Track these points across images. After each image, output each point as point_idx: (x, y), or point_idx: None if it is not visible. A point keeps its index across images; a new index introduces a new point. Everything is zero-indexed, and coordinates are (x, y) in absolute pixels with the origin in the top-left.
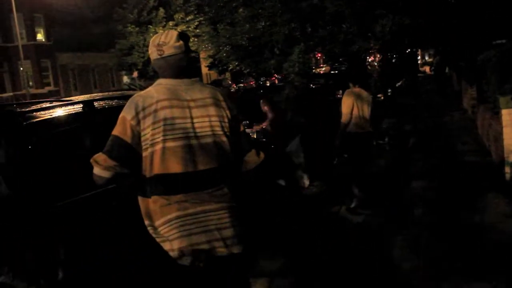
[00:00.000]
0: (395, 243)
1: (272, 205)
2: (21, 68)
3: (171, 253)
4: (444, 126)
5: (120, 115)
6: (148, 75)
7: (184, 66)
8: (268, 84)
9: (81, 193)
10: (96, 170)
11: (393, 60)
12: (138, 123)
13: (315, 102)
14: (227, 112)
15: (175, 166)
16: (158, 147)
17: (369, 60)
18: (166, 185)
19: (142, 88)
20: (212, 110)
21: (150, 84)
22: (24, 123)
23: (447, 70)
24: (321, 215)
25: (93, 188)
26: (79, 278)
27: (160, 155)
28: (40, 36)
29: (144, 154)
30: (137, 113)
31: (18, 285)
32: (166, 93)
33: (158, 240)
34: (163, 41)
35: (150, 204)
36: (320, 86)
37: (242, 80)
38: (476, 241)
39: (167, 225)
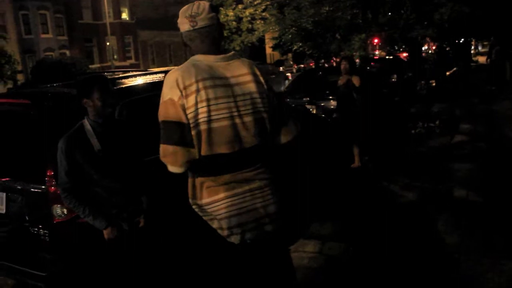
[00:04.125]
0: (439, 219)
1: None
2: (108, 43)
3: (220, 232)
4: (493, 113)
5: (165, 99)
6: None
7: (217, 38)
8: (327, 66)
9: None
10: (171, 169)
11: (448, 49)
12: (183, 102)
13: (372, 85)
14: (265, 86)
15: (222, 147)
16: (203, 127)
17: (424, 47)
18: (213, 166)
19: None
20: (252, 87)
21: None
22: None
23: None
24: (371, 188)
25: None
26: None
27: (206, 137)
28: (124, 15)
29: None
30: (181, 92)
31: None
32: (206, 70)
33: (205, 218)
34: (195, 12)
35: (197, 184)
36: (377, 70)
37: (302, 61)
38: None
39: (215, 205)
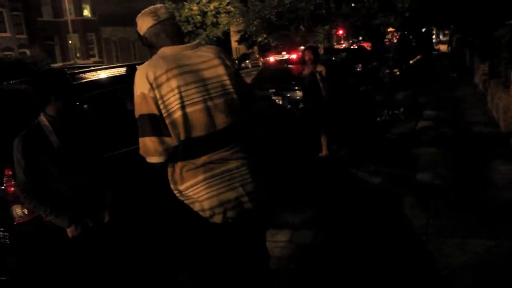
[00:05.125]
0: (406, 202)
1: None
2: (70, 41)
3: (202, 213)
4: (455, 99)
5: (137, 93)
6: None
7: (180, 31)
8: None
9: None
10: (151, 159)
11: (410, 37)
12: (154, 94)
13: (337, 74)
14: (232, 69)
15: (197, 130)
16: (178, 114)
17: (388, 37)
18: (190, 149)
19: None
20: (221, 70)
21: None
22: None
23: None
24: (339, 175)
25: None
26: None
27: (181, 122)
28: (86, 12)
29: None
30: (151, 84)
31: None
32: (174, 61)
33: (186, 202)
34: (155, 8)
35: (177, 169)
36: (341, 60)
37: (268, 54)
38: (482, 202)
39: (195, 187)
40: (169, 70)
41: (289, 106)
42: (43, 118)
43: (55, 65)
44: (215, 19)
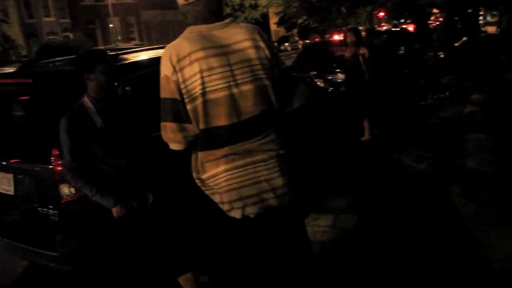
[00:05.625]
0: (452, 190)
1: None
2: (111, 25)
3: (221, 206)
4: (504, 83)
5: (162, 75)
6: None
7: (214, 8)
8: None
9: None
10: (171, 146)
11: (456, 19)
12: (177, 77)
13: (380, 57)
14: (266, 51)
15: (219, 119)
16: (199, 101)
17: (432, 19)
18: (212, 139)
19: None
20: (252, 53)
21: None
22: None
23: None
24: (381, 160)
25: None
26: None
27: (202, 110)
28: None
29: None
30: (174, 67)
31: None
32: (200, 42)
33: (207, 192)
34: None
35: (199, 158)
36: (384, 42)
37: (308, 37)
38: None
39: (215, 178)
40: (193, 52)
41: (330, 88)
42: (86, 99)
43: (97, 48)
44: (253, 1)
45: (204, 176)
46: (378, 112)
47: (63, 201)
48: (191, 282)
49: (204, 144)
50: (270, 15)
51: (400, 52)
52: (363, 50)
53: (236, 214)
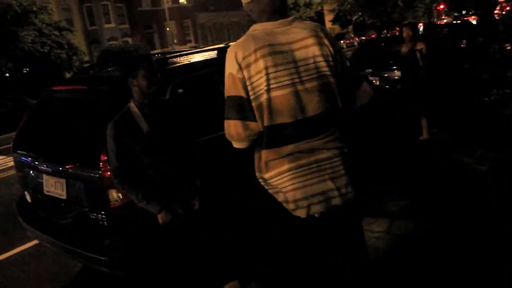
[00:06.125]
0: None
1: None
2: (167, 28)
3: (286, 205)
4: None
5: (226, 73)
6: None
7: (277, 6)
8: (389, 35)
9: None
10: (235, 144)
11: None
12: (243, 75)
13: (439, 52)
14: (331, 48)
15: (283, 117)
16: (264, 98)
17: (496, 10)
18: (276, 137)
19: None
20: (316, 50)
21: None
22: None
23: None
24: (441, 161)
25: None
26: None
27: (266, 106)
28: (182, 0)
29: (253, 106)
30: (239, 65)
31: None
32: (264, 39)
33: (270, 191)
34: None
35: (262, 157)
36: (444, 36)
37: (364, 33)
38: None
39: (279, 177)
40: (258, 49)
41: (386, 86)
42: (132, 105)
43: (155, 51)
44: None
45: (267, 175)
46: (437, 110)
47: (111, 206)
48: None
49: (268, 142)
50: (325, 12)
51: (462, 46)
52: (420, 46)
53: (301, 213)
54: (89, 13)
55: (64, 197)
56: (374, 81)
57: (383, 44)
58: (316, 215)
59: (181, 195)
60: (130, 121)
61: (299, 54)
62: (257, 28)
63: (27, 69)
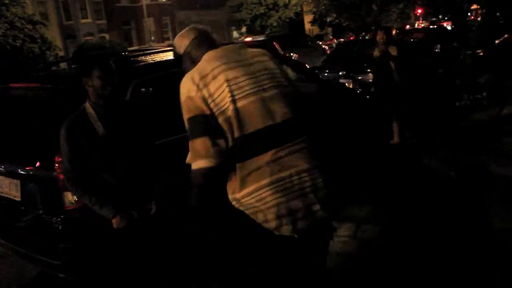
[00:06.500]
0: (486, 199)
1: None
2: (145, 25)
3: (266, 225)
4: None
5: (183, 98)
6: (255, 30)
7: (210, 40)
8: (367, 38)
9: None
10: (199, 164)
11: (498, 14)
12: (202, 94)
13: (412, 56)
14: (280, 67)
15: (254, 124)
16: (230, 110)
17: (472, 17)
18: (250, 147)
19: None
20: (271, 64)
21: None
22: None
23: None
24: (411, 165)
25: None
26: None
27: (235, 118)
28: None
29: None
30: (197, 85)
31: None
32: (219, 59)
33: (247, 212)
34: (191, 26)
35: (237, 173)
36: (419, 40)
37: (342, 35)
38: None
39: (258, 193)
40: (215, 67)
41: (359, 90)
42: (87, 105)
43: (131, 48)
44: (287, 0)
45: (243, 193)
46: (409, 114)
47: (66, 209)
48: None
49: (242, 155)
50: (304, 14)
51: (436, 50)
52: (392, 49)
53: (285, 231)
54: (65, 7)
55: (19, 198)
56: (346, 83)
57: (357, 47)
58: (300, 232)
59: (137, 199)
60: (84, 122)
61: (256, 66)
62: (209, 53)
63: None
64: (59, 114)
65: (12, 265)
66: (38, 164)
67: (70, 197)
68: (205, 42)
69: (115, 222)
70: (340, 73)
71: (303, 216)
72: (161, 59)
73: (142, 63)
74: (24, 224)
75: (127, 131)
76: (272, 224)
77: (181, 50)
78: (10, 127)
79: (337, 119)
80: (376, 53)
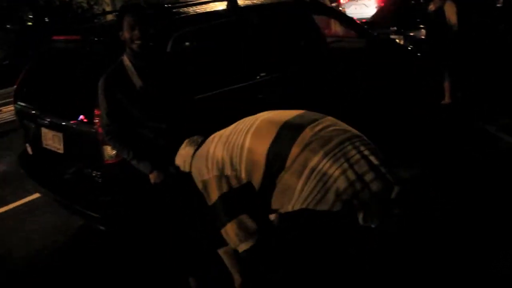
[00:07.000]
0: None
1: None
2: None
3: (340, 198)
4: None
5: (203, 183)
6: None
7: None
8: None
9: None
10: (245, 246)
11: None
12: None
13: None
14: None
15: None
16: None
17: None
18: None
19: None
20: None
21: None
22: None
23: None
24: (462, 128)
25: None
26: None
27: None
28: None
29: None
30: (207, 167)
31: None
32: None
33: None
34: None
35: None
36: None
37: None
38: None
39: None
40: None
41: (411, 46)
42: (125, 58)
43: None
44: None
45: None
46: (463, 74)
47: (105, 163)
48: (231, 255)
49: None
50: None
51: (498, 4)
52: (448, 5)
53: (364, 196)
54: None
55: (62, 151)
56: (397, 40)
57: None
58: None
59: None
60: (122, 75)
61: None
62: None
63: (47, 19)
64: (101, 67)
65: (58, 214)
66: (79, 117)
67: (109, 151)
68: None
69: (152, 177)
70: (391, 29)
71: (374, 177)
72: (205, 11)
73: (184, 15)
74: (67, 176)
75: (165, 85)
76: (349, 191)
77: None
78: (53, 80)
79: (386, 77)
80: (430, 7)
